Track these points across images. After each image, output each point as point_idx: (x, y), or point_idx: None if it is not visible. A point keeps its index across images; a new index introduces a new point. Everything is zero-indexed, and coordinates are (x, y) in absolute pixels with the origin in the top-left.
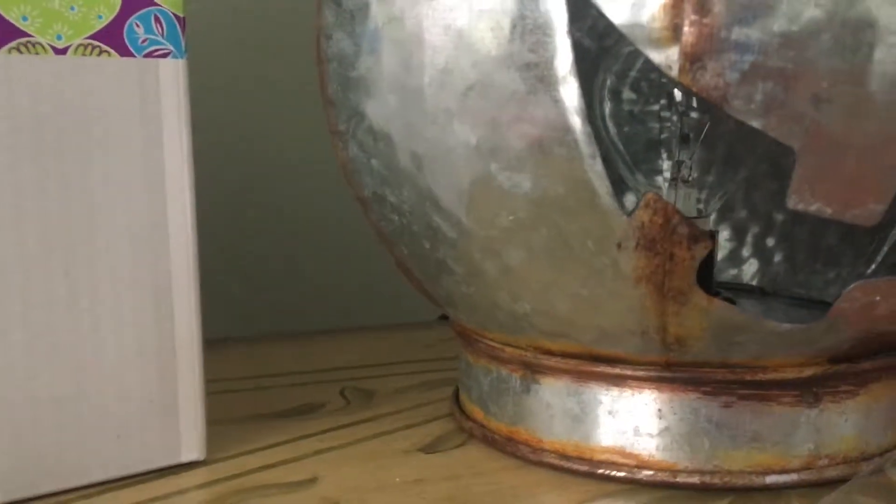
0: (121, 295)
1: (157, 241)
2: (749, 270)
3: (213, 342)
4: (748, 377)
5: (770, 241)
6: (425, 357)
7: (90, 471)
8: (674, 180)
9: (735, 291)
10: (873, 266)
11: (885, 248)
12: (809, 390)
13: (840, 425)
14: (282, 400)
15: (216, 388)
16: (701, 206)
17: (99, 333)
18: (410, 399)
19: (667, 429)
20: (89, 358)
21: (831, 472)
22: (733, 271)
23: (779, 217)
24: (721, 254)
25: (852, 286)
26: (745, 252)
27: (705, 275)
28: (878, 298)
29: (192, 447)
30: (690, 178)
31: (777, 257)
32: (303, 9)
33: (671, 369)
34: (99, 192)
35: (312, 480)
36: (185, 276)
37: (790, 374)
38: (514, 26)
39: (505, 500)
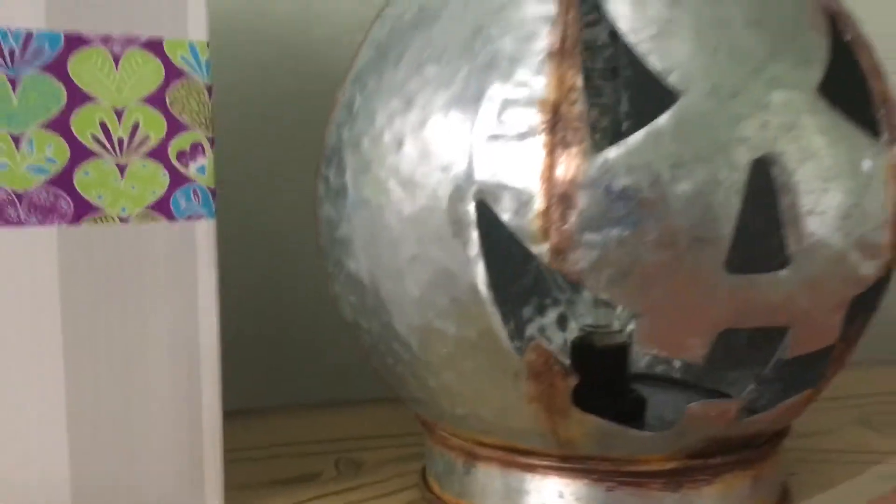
0: (162, 382)
1: (190, 342)
2: (676, 366)
3: (230, 413)
4: (624, 468)
5: None
6: (411, 430)
7: None
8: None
9: (665, 382)
10: (766, 370)
11: (774, 359)
12: (673, 479)
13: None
14: (287, 468)
15: (232, 457)
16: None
17: (142, 411)
18: (390, 470)
19: None
20: (136, 434)
21: None
22: (664, 367)
23: None
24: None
25: (690, 405)
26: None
27: (621, 373)
28: (713, 414)
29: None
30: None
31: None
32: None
33: (567, 461)
34: (150, 316)
35: None
36: (210, 366)
37: (656, 466)
38: (442, 220)
39: None
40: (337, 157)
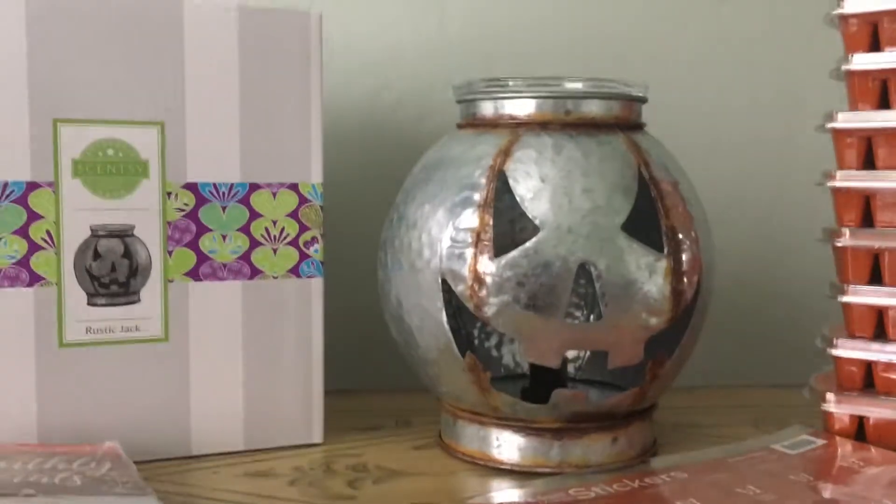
0: (291, 359)
1: (307, 345)
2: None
3: (333, 391)
4: (530, 425)
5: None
6: (436, 406)
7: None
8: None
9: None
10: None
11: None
12: (557, 433)
13: (573, 450)
14: (367, 422)
15: (339, 413)
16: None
17: (280, 379)
18: (427, 427)
19: (500, 445)
20: (270, 366)
21: (568, 470)
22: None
23: None
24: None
25: (556, 390)
26: (576, 364)
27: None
28: (570, 398)
29: (317, 435)
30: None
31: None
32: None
33: (499, 419)
34: (288, 328)
35: (361, 455)
36: (317, 358)
37: (547, 424)
38: (428, 287)
39: (438, 470)
40: (384, 245)
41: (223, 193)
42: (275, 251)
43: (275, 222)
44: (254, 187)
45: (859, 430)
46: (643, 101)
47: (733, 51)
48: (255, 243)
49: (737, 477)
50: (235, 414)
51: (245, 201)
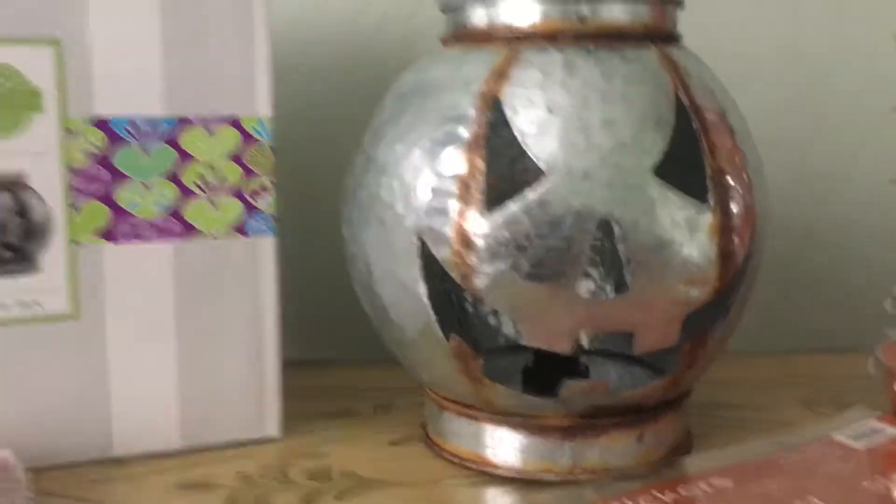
0: (237, 341)
1: (257, 316)
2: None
3: (297, 363)
4: (532, 422)
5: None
6: None
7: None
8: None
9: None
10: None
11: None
12: (569, 432)
13: (588, 452)
14: (338, 406)
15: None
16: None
17: (224, 364)
18: (410, 413)
19: (495, 446)
20: (221, 380)
21: (582, 478)
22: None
23: None
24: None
25: (567, 381)
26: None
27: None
28: (586, 390)
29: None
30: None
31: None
32: None
33: (494, 413)
34: (231, 300)
35: (326, 454)
36: (270, 330)
37: (555, 422)
38: (402, 249)
39: (416, 473)
40: (348, 197)
41: (143, 131)
42: (213, 203)
43: (212, 167)
44: (183, 123)
45: None
46: (680, 4)
47: None
48: (187, 194)
49: (794, 485)
50: (168, 405)
51: (172, 141)
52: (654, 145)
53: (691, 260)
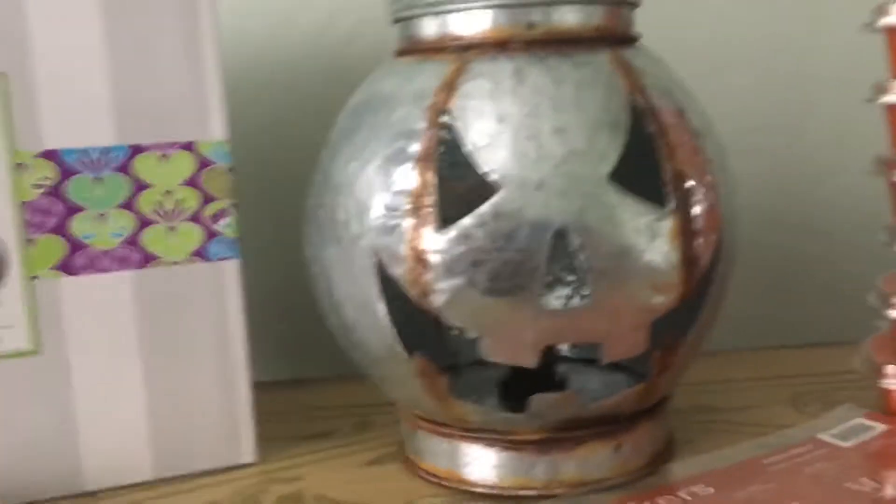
0: (206, 367)
1: (223, 340)
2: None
3: (270, 384)
4: (506, 437)
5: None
6: None
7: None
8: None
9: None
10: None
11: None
12: (542, 446)
13: (564, 465)
14: (314, 427)
15: (268, 418)
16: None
17: (193, 389)
18: (390, 431)
19: (470, 463)
20: (191, 406)
21: (559, 491)
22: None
23: None
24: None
25: (533, 395)
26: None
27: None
28: (555, 402)
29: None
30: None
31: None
32: None
33: (466, 431)
34: (197, 326)
35: (300, 478)
36: (239, 354)
37: (528, 436)
38: (360, 269)
39: (394, 494)
40: (309, 217)
41: (95, 160)
42: (172, 230)
43: (168, 193)
44: (136, 150)
45: None
46: (635, 4)
47: None
48: (144, 222)
49: (779, 488)
50: (138, 436)
51: (125, 169)
52: (609, 151)
53: (653, 266)
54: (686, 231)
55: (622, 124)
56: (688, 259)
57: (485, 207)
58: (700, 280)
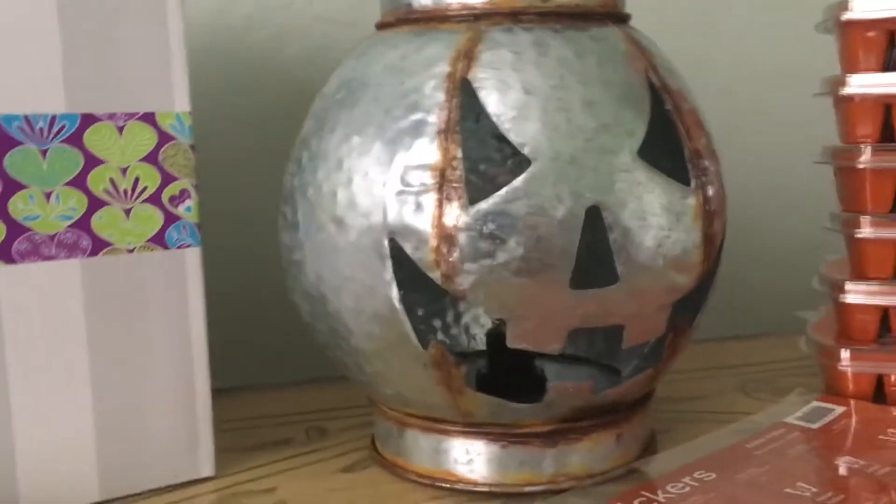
0: (162, 372)
1: (183, 341)
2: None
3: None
4: (512, 431)
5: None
6: (365, 404)
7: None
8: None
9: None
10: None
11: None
12: (550, 438)
13: (570, 457)
14: (266, 435)
15: (223, 427)
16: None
17: (148, 397)
18: (348, 436)
19: (471, 460)
20: (145, 415)
21: (566, 485)
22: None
23: None
24: None
25: (552, 384)
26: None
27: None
28: (571, 391)
29: (206, 467)
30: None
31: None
32: None
33: (469, 426)
34: (153, 323)
35: (274, 489)
36: (200, 357)
37: (536, 429)
38: (366, 252)
39: (386, 500)
40: (291, 198)
41: (41, 130)
42: (127, 212)
43: (124, 170)
44: (88, 120)
45: (877, 391)
46: None
47: None
48: (96, 203)
49: (775, 470)
50: (83, 451)
51: (76, 141)
52: (636, 127)
53: (679, 245)
54: (706, 211)
55: (646, 100)
56: (707, 238)
57: (518, 182)
58: (714, 260)
